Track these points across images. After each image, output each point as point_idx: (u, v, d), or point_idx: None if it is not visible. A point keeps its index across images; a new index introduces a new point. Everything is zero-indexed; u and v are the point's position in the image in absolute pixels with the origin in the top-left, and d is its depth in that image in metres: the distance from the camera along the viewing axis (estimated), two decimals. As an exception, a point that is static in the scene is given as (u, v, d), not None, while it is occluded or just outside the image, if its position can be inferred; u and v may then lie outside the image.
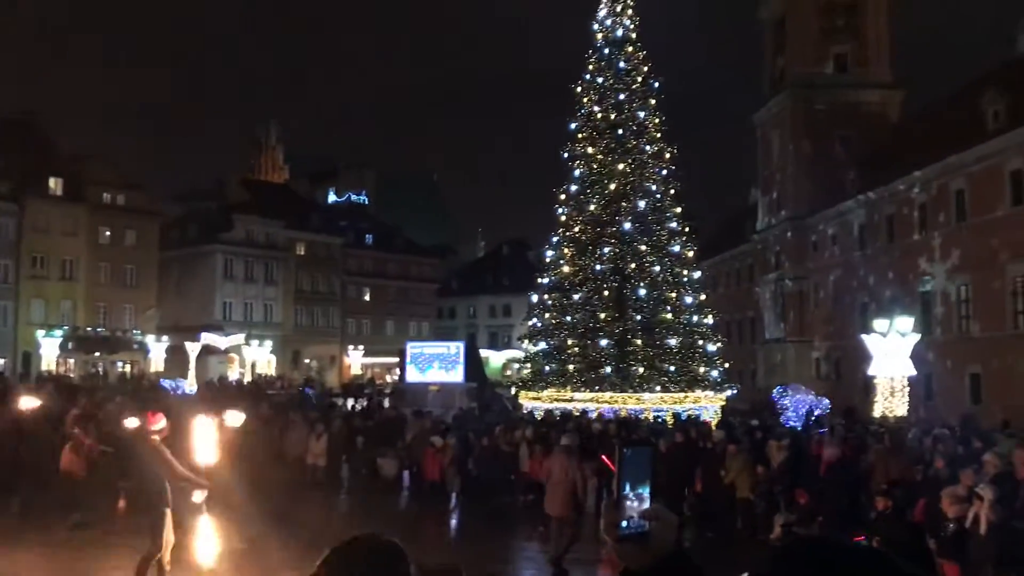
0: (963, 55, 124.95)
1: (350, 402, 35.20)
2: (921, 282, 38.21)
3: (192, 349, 47.67)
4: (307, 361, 70.62)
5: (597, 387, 27.87)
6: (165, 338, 53.54)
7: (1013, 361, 31.49)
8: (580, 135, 31.09)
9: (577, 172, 30.93)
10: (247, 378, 54.32)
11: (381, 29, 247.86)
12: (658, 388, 27.66)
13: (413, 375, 36.64)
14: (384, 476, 17.58)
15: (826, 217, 47.12)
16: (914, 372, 21.84)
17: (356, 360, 70.75)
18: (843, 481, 10.08)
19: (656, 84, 31.26)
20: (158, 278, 62.23)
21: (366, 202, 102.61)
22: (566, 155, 31.37)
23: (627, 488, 1.62)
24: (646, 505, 1.60)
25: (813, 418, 21.72)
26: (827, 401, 24.07)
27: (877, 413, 21.30)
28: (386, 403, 32.07)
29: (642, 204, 29.74)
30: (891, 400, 21.00)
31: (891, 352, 20.69)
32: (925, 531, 8.16)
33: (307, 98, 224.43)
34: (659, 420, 22.82)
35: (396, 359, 50.80)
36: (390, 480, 17.61)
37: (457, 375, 35.91)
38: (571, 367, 28.75)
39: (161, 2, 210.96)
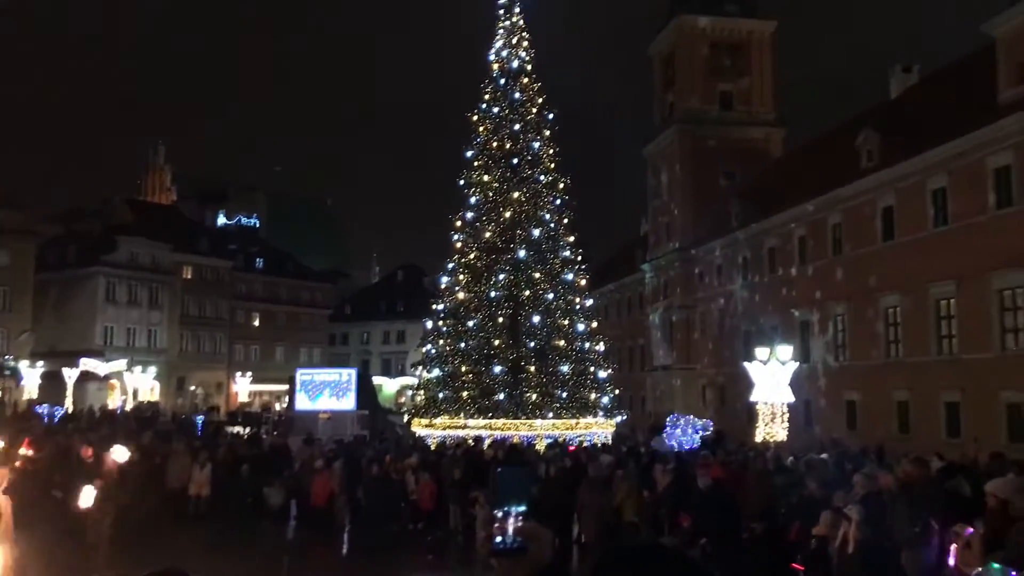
0: (842, 96, 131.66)
1: (236, 430, 34.21)
2: (801, 312, 39.83)
3: (70, 375, 45.56)
4: (192, 388, 68.39)
5: (490, 414, 27.94)
6: (40, 364, 50.95)
7: (886, 388, 33.08)
8: (476, 163, 31.33)
9: (473, 199, 31.11)
10: (128, 405, 52.20)
11: (279, 51, 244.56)
12: (550, 414, 27.95)
13: (303, 403, 35.92)
14: (270, 505, 17.15)
15: (712, 248, 48.69)
16: (793, 399, 22.69)
17: (244, 387, 68.91)
18: (722, 503, 10.41)
19: (551, 115, 31.87)
20: (33, 301, 59.19)
21: (257, 225, 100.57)
22: (462, 182, 31.54)
23: (504, 506, 1.67)
24: (521, 522, 1.66)
25: (700, 444, 22.38)
26: (712, 426, 24.76)
27: (759, 438, 22.03)
28: (264, 432, 31.32)
29: (536, 232, 30.12)
30: (772, 426, 21.77)
31: (772, 379, 21.48)
32: (796, 551, 8.50)
33: (199, 118, 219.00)
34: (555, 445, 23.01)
35: (286, 386, 49.71)
36: (276, 509, 17.20)
37: (348, 403, 35.39)
38: (465, 394, 28.73)
39: (57, 15, 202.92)
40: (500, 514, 1.66)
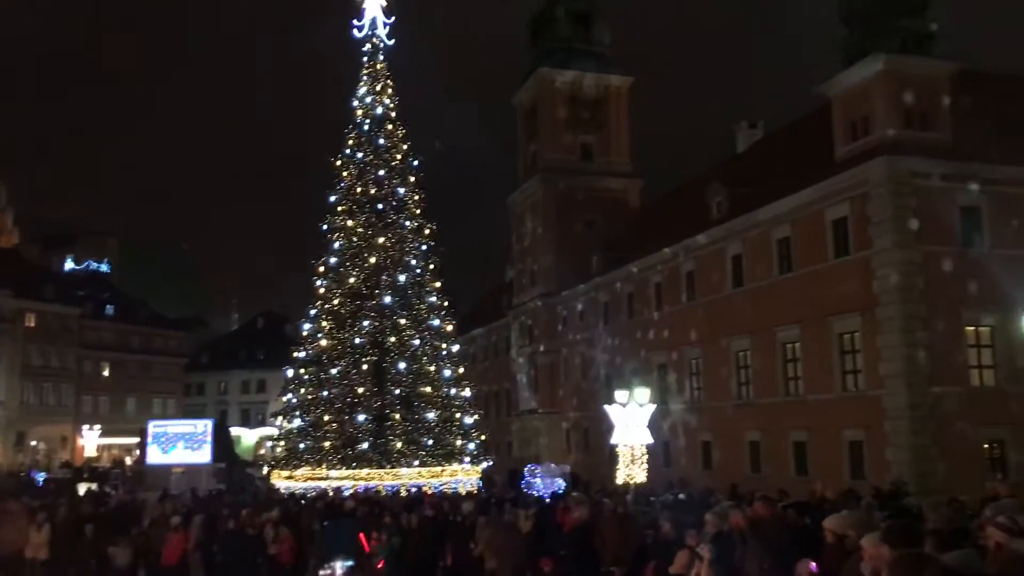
0: (695, 150, 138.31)
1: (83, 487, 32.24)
2: (658, 355, 41.11)
3: None
4: (34, 443, 64.10)
5: (354, 464, 27.47)
6: None
7: (738, 429, 34.44)
8: (340, 208, 31.12)
9: (337, 244, 30.84)
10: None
11: (140, 93, 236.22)
12: (416, 463, 27.70)
13: (155, 456, 34.30)
14: (116, 566, 16.20)
15: (575, 294, 49.77)
16: (651, 441, 23.27)
17: (92, 441, 65.13)
18: (582, 547, 10.58)
19: (416, 162, 32.07)
20: None
21: (108, 271, 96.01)
22: (325, 227, 31.24)
23: (330, 561, 1.69)
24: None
25: (559, 490, 22.70)
26: (569, 471, 25.12)
27: (620, 480, 22.47)
28: (112, 488, 29.71)
29: (402, 278, 30.09)
30: (632, 468, 22.26)
31: (631, 422, 22.01)
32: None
33: (45, 161, 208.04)
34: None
35: (137, 439, 47.33)
36: (123, 570, 16.25)
37: (204, 455, 34.04)
38: (327, 444, 28.17)
39: None
40: (327, 570, 1.68)
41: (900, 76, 28.54)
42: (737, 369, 35.49)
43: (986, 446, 27.02)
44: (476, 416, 30.87)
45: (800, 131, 36.19)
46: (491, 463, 31.96)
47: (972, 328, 27.64)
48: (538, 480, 24.56)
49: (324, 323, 30.19)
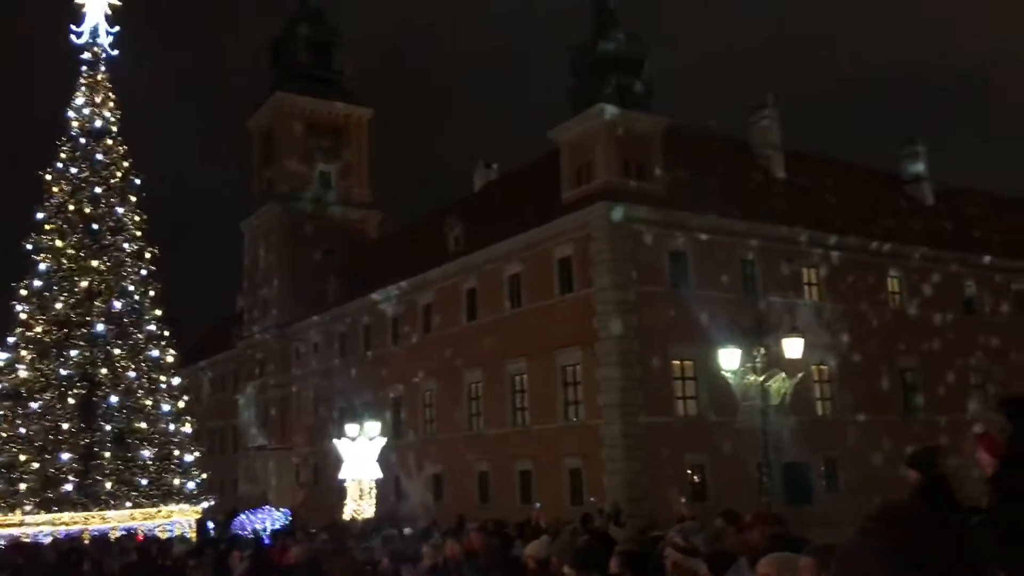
0: (437, 185, 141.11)
1: None
2: (394, 388, 41.14)
3: None
4: None
5: (55, 507, 25.01)
6: None
7: (469, 460, 35.15)
8: (48, 226, 28.46)
9: (42, 266, 28.13)
10: None
11: None
12: (128, 504, 25.73)
13: None
14: None
15: (310, 326, 48.75)
16: (380, 475, 23.20)
17: None
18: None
19: (138, 181, 30.08)
20: None
21: None
22: (30, 247, 28.45)
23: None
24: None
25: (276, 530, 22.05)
26: (289, 513, 24.56)
27: (347, 515, 22.15)
28: None
29: (118, 305, 27.95)
30: (360, 502, 22.03)
31: (360, 455, 21.81)
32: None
33: None
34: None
35: None
36: None
37: None
38: (23, 486, 25.44)
39: None
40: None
41: (619, 128, 30.83)
42: (469, 401, 36.28)
43: (689, 471, 29.48)
44: (197, 453, 29.20)
45: (533, 173, 37.99)
46: (213, 503, 30.32)
47: (678, 362, 30.14)
48: (256, 519, 23.67)
49: (24, 352, 27.31)
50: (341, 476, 22.45)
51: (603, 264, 29.66)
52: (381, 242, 52.39)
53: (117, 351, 27.43)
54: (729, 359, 18.20)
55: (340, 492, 28.42)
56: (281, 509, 24.94)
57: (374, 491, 22.46)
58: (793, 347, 18.54)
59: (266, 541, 15.28)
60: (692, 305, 29.11)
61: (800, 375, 18.96)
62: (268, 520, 23.82)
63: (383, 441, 22.97)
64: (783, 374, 18.16)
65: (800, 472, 26.01)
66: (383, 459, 24.35)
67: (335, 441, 22.95)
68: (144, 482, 26.44)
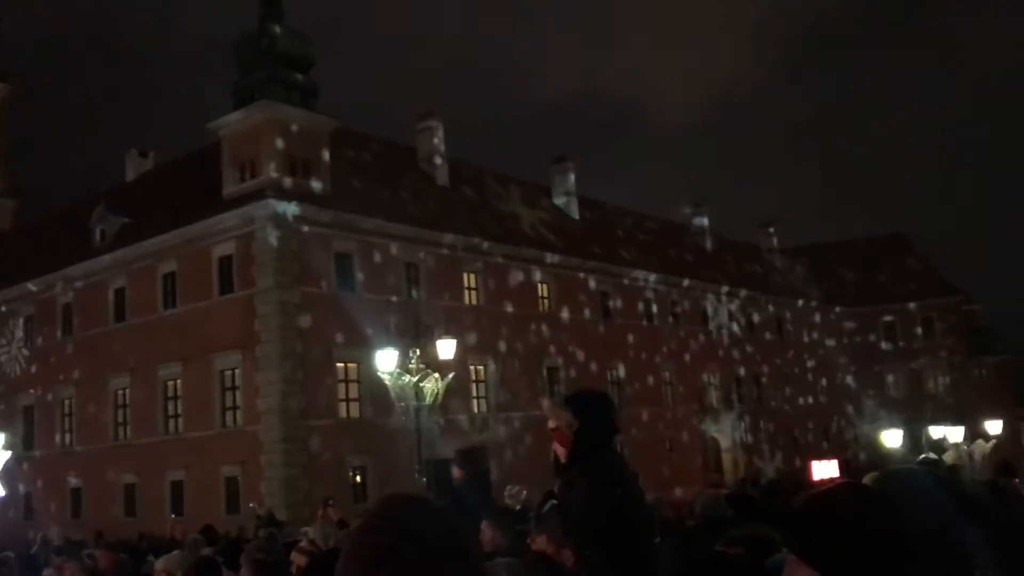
0: (89, 173, 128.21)
1: None
2: (26, 396, 36.96)
3: None
4: None
5: None
6: None
7: (113, 472, 32.42)
8: None
9: None
10: None
11: None
12: None
13: None
14: None
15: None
16: (3, 492, 20.67)
17: None
18: None
19: None
20: None
21: None
22: None
23: None
24: None
25: None
26: None
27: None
28: None
29: None
30: (-26, 525, 19.44)
31: (-23, 473, 19.28)
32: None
33: None
34: None
35: None
36: None
37: None
38: None
39: None
40: None
41: (286, 125, 30.12)
42: (115, 409, 33.56)
43: (351, 472, 29.52)
44: None
45: (193, 165, 35.71)
46: None
47: (342, 364, 30.07)
48: None
49: None
50: (-50, 497, 19.66)
51: (266, 264, 28.81)
52: (15, 234, 46.81)
53: None
54: (386, 361, 18.49)
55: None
56: None
57: (-6, 512, 19.94)
58: (446, 348, 19.25)
59: None
60: (357, 307, 29.18)
61: (452, 375, 19.74)
62: None
63: (7, 455, 20.49)
64: (436, 375, 18.79)
65: (449, 468, 27.00)
66: (8, 474, 21.77)
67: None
68: None
